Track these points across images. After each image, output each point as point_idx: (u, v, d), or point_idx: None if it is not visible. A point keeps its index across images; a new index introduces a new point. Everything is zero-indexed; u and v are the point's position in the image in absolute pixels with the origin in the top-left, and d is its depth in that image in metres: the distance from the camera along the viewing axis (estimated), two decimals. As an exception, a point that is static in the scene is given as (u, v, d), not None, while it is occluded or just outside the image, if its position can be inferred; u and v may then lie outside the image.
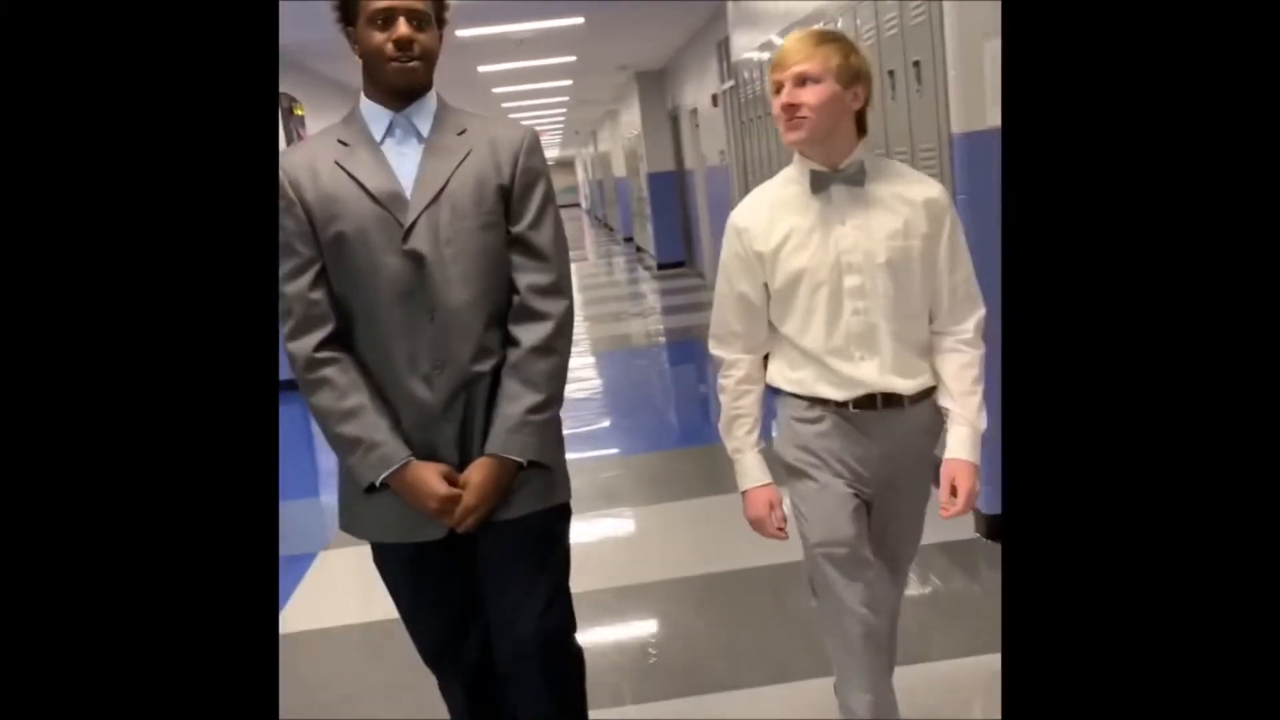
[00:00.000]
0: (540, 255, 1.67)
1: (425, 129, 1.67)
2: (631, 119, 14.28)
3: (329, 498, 5.18)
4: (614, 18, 8.02)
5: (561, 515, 1.77)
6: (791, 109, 1.70)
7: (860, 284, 1.75)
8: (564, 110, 16.78)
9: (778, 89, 1.72)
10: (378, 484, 1.64)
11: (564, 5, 6.97)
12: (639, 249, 15.83)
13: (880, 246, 1.75)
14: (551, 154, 32.50)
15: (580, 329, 8.92)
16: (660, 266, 12.81)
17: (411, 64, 1.61)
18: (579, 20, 7.76)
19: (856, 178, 1.76)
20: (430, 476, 1.62)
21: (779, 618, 2.97)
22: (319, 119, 9.20)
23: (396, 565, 1.75)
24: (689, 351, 7.83)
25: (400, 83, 1.63)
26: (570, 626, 1.80)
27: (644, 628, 3.05)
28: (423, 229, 1.62)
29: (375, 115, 1.68)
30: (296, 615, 3.47)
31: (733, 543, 3.55)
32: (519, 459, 1.64)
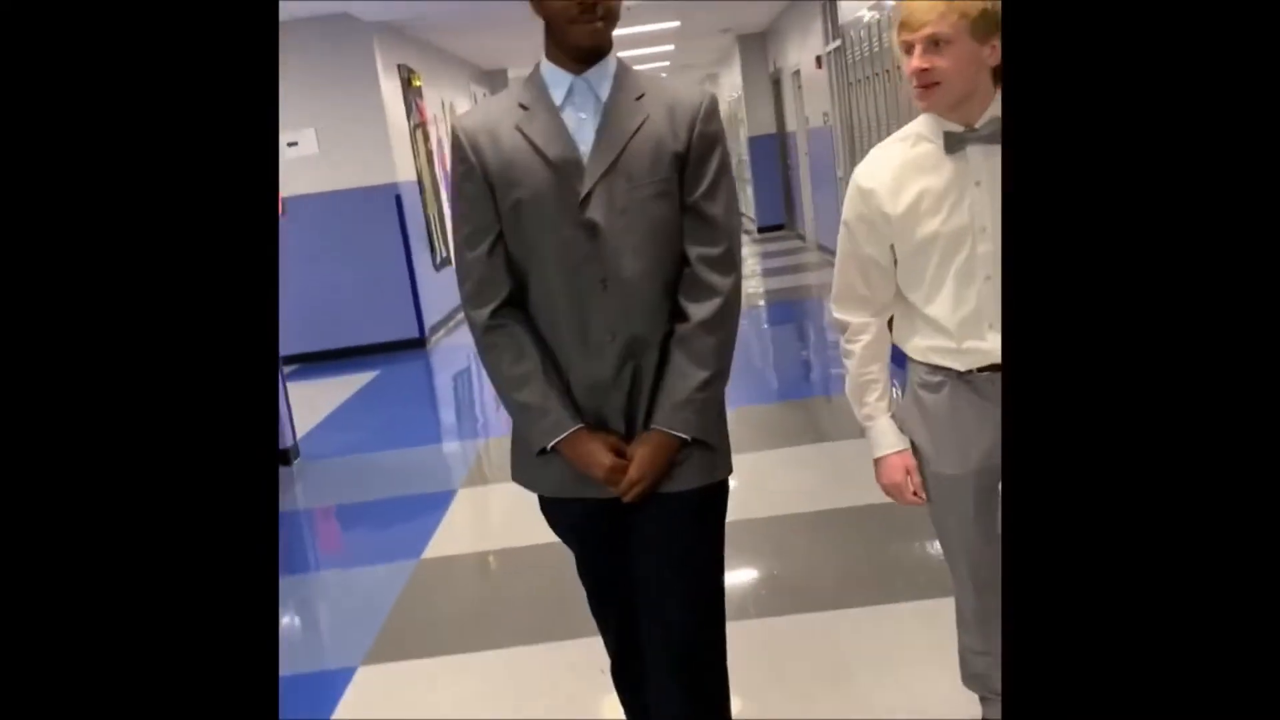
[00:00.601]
0: (713, 225, 1.65)
1: (604, 92, 1.64)
2: (732, 81, 14.32)
3: (451, 445, 5.55)
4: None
5: (722, 490, 1.78)
6: (924, 73, 1.61)
7: (993, 250, 1.65)
8: (665, 74, 16.90)
9: (907, 49, 1.63)
10: (548, 449, 1.67)
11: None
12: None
13: None
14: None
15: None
16: (760, 230, 12.91)
17: (596, 24, 1.58)
18: (685, -15, 7.90)
19: (994, 136, 1.64)
20: (598, 447, 1.65)
21: (883, 548, 3.18)
22: (435, 89, 9.56)
23: (564, 520, 1.79)
24: (788, 312, 7.98)
25: (585, 44, 1.60)
26: (722, 604, 1.81)
27: (761, 554, 3.28)
28: (599, 198, 1.61)
29: (555, 78, 1.65)
30: (441, 543, 3.81)
31: (836, 485, 3.77)
32: (684, 435, 1.66)
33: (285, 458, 5.08)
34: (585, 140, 1.63)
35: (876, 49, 5.90)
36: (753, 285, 9.41)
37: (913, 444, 1.82)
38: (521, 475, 1.77)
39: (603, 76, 1.65)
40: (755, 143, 12.80)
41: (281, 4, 6.44)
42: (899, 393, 1.89)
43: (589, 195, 1.60)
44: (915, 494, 1.81)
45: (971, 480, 1.76)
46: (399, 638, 3.09)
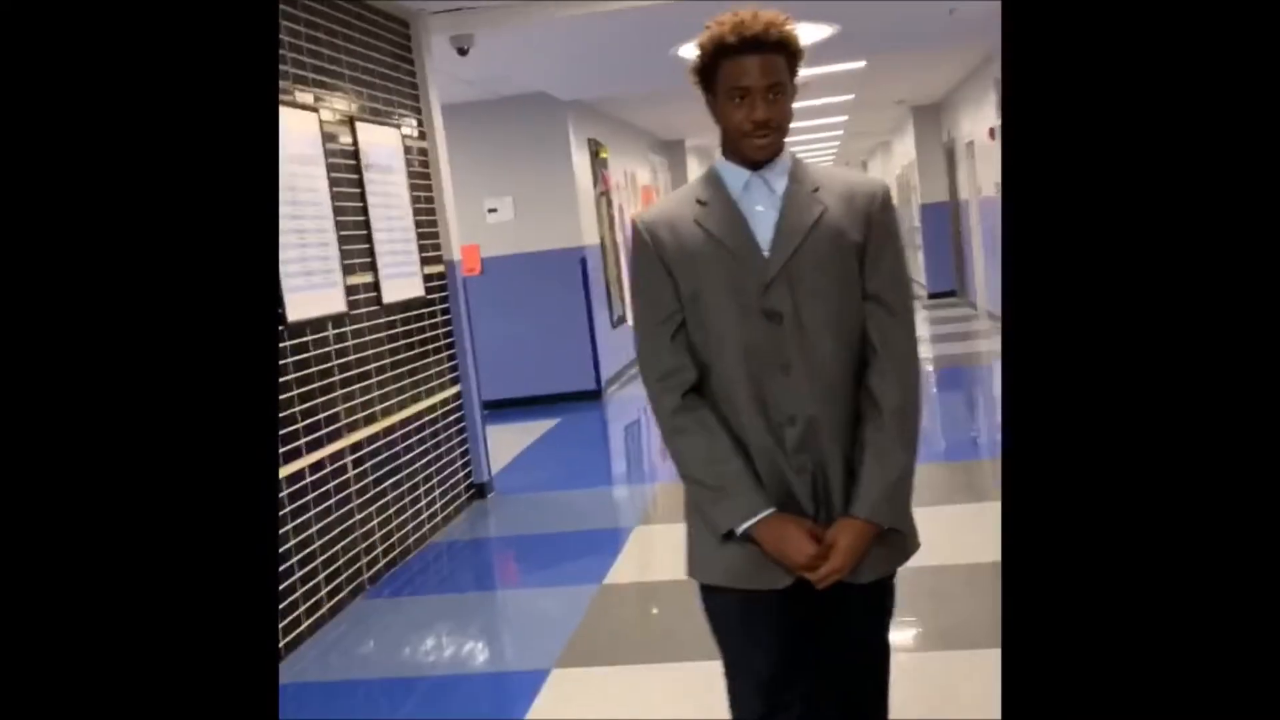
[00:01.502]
0: (895, 313, 1.68)
1: (780, 187, 1.69)
2: (905, 149, 14.49)
3: (626, 488, 5.97)
4: (895, 59, 8.46)
5: (894, 576, 1.80)
6: None
7: None
8: (838, 142, 17.19)
9: None
10: (737, 533, 1.65)
11: (849, 49, 7.50)
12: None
13: None
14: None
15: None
16: (931, 295, 12.94)
17: (767, 139, 1.64)
18: (862, 63, 8.26)
19: None
20: (796, 532, 1.63)
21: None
22: (618, 159, 10.24)
23: (730, 609, 1.74)
24: (958, 378, 8.07)
25: (758, 158, 1.67)
26: (887, 703, 1.86)
27: (919, 598, 3.52)
28: (780, 286, 1.64)
29: (732, 174, 1.71)
30: (620, 572, 4.22)
31: (994, 540, 3.94)
32: (886, 525, 1.67)
33: (481, 491, 5.63)
34: (764, 231, 1.67)
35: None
36: (922, 350, 9.49)
37: None
38: (700, 568, 1.75)
39: (779, 171, 1.70)
40: (928, 210, 12.91)
41: (484, 84, 7.21)
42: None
43: (772, 283, 1.64)
44: None
45: None
46: (586, 647, 3.49)
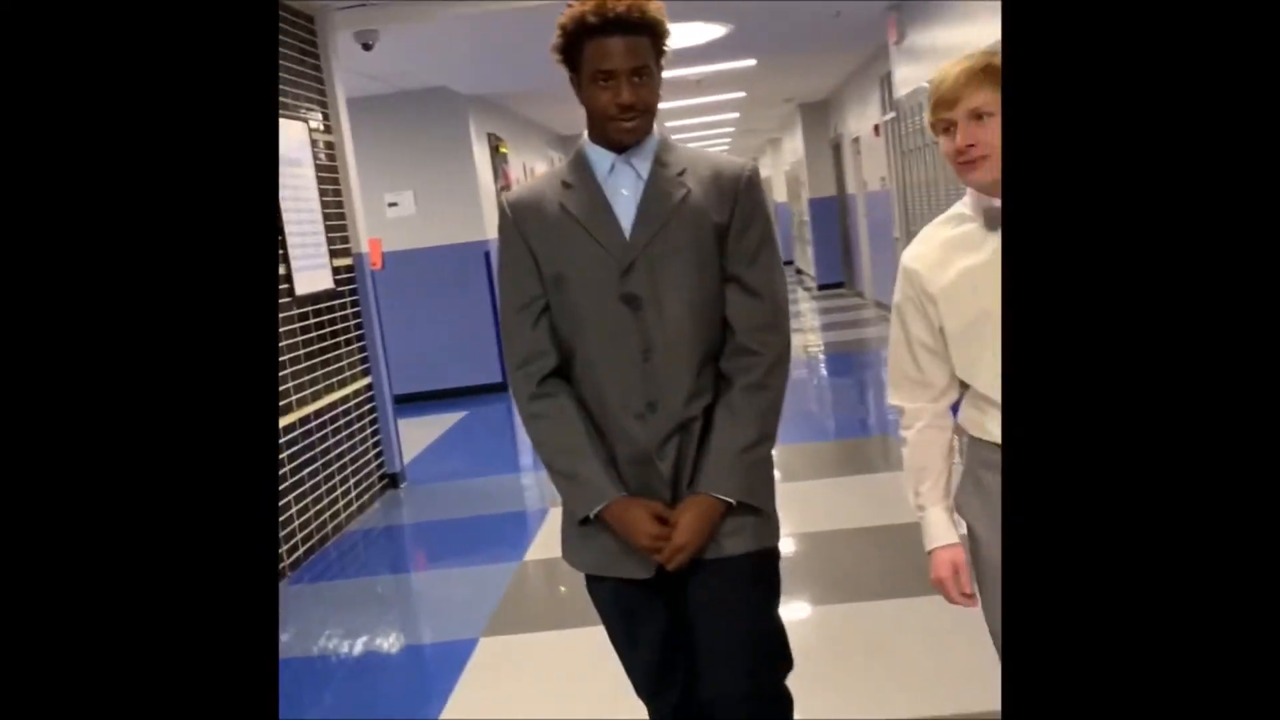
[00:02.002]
0: (755, 293, 1.66)
1: (645, 170, 1.67)
2: (794, 146, 14.97)
3: (538, 474, 6.14)
4: (783, 57, 8.81)
5: (771, 557, 1.75)
6: (970, 149, 1.57)
7: None
8: (729, 139, 17.62)
9: (946, 128, 1.60)
10: (591, 517, 1.66)
11: (740, 49, 7.80)
12: (799, 271, 16.47)
13: None
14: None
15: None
16: (820, 287, 13.44)
17: (633, 124, 1.62)
18: (752, 62, 8.58)
19: None
20: (641, 514, 1.63)
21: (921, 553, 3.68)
22: (518, 155, 10.35)
23: (608, 597, 1.76)
24: (846, 363, 8.48)
25: (624, 141, 1.65)
26: (781, 672, 1.77)
27: (813, 558, 3.79)
28: (641, 270, 1.63)
29: (598, 156, 1.69)
30: (539, 549, 4.40)
31: (880, 507, 4.27)
32: (729, 499, 1.64)
33: (394, 481, 5.71)
34: (627, 215, 1.65)
35: (926, 125, 6.48)
36: (811, 339, 9.95)
37: (970, 531, 1.75)
38: (571, 554, 1.77)
39: (644, 154, 1.68)
40: (816, 204, 13.39)
41: (387, 78, 7.26)
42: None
43: (631, 267, 1.63)
44: (966, 595, 1.73)
45: None
46: (512, 616, 3.66)
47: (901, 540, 3.85)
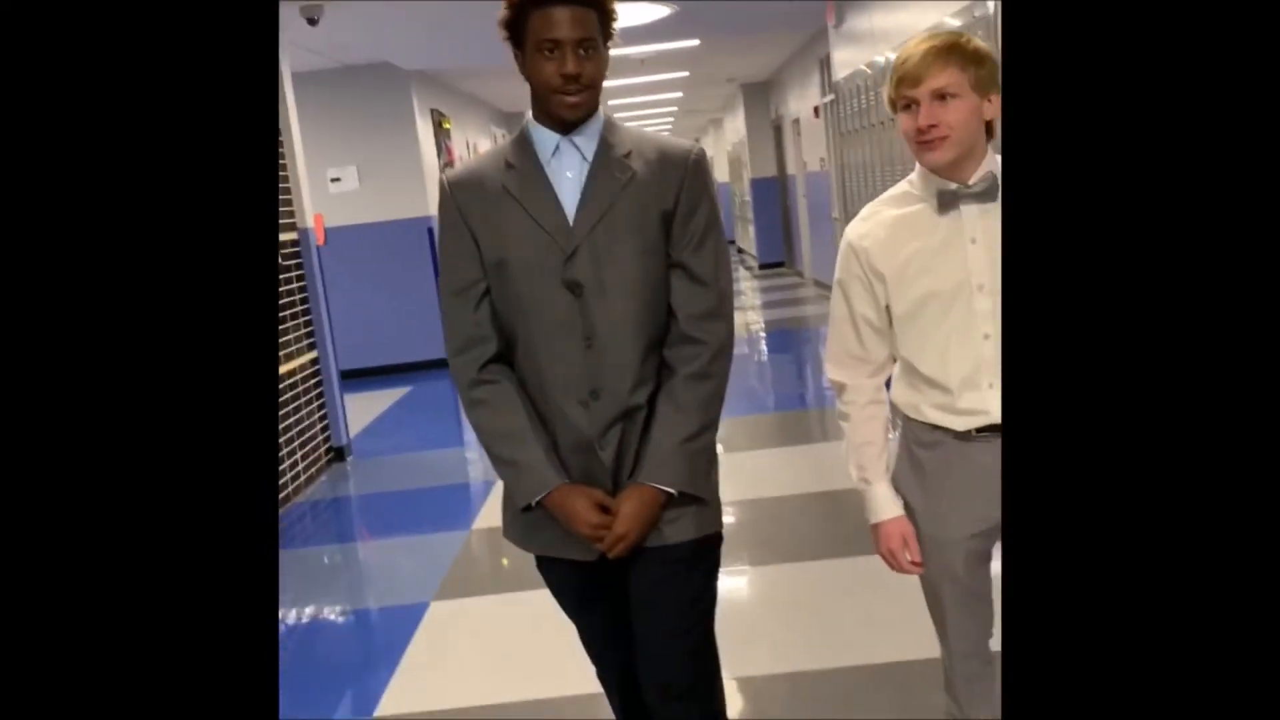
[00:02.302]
0: (700, 281, 1.64)
1: (590, 151, 1.64)
2: (736, 127, 15.13)
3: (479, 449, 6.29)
4: (726, 38, 8.93)
5: (713, 545, 1.74)
6: (933, 129, 1.57)
7: (992, 306, 1.61)
8: (672, 119, 17.71)
9: (907, 105, 1.59)
10: (533, 505, 1.65)
11: (684, 29, 7.90)
12: (740, 250, 16.67)
13: None
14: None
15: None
16: (761, 266, 13.64)
17: (578, 97, 1.58)
18: (695, 42, 8.69)
19: (989, 193, 1.62)
20: (582, 503, 1.61)
21: (860, 518, 3.87)
22: (461, 131, 10.35)
23: (557, 579, 1.79)
24: (786, 339, 8.68)
25: (568, 115, 1.61)
26: (716, 660, 1.80)
27: (754, 523, 3.96)
28: (584, 256, 1.60)
29: (542, 137, 1.65)
30: (487, 518, 4.51)
31: (819, 475, 4.45)
32: (670, 488, 1.63)
33: (341, 454, 5.76)
34: (571, 198, 1.63)
35: (867, 105, 6.65)
36: (752, 316, 10.14)
37: (906, 505, 1.77)
38: (512, 533, 1.76)
39: (589, 135, 1.64)
40: (757, 184, 13.57)
41: (331, 53, 7.22)
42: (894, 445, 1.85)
43: (574, 254, 1.61)
44: (915, 562, 1.76)
45: (964, 544, 1.72)
46: (463, 581, 3.78)
47: (835, 506, 4.04)
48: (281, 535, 4.62)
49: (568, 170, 1.64)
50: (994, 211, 1.62)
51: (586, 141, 1.65)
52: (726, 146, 17.52)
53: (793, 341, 8.58)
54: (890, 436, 1.78)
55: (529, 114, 1.68)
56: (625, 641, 1.77)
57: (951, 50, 1.57)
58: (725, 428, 5.86)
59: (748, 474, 4.64)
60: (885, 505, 1.76)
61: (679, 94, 13.25)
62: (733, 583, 3.45)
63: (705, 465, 1.69)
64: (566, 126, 1.63)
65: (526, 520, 1.69)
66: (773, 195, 13.34)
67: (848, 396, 1.77)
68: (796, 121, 11.13)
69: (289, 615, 3.67)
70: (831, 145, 8.70)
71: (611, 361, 1.62)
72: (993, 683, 1.82)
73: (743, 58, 10.62)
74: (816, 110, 9.55)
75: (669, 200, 1.64)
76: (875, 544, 1.80)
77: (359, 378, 8.28)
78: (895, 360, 1.76)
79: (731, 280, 1.72)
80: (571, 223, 1.62)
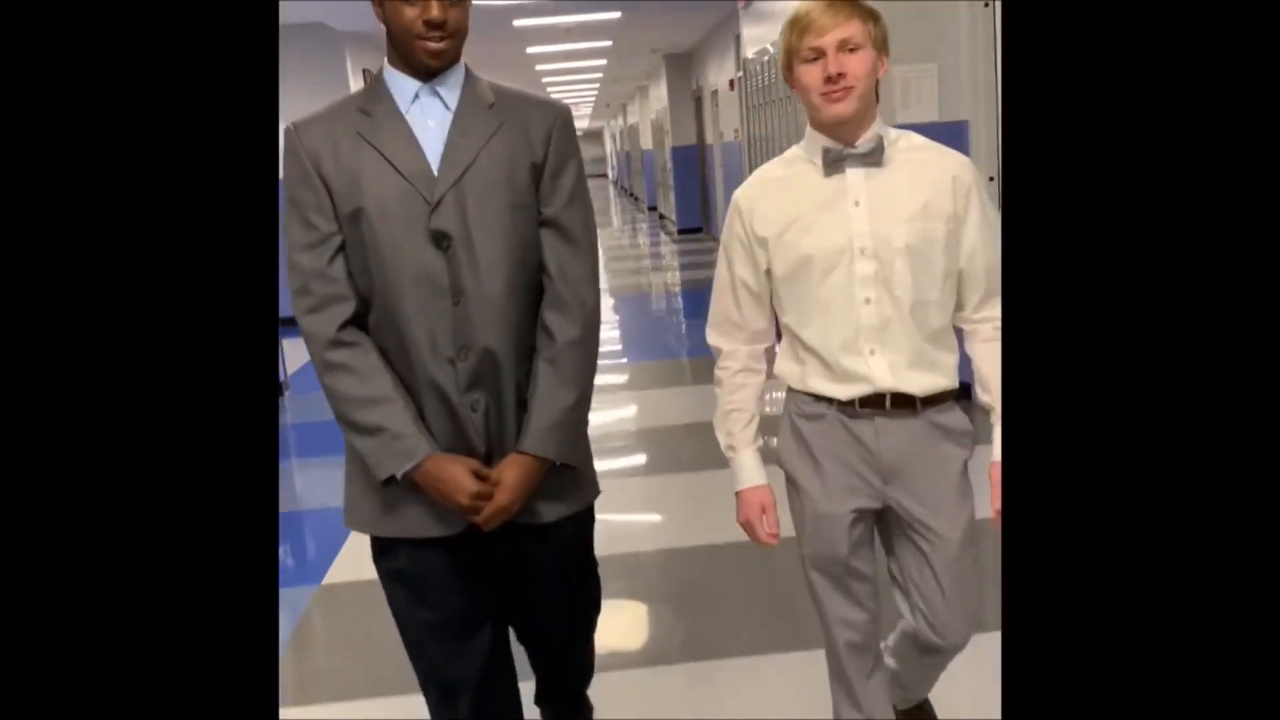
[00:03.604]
0: (573, 240, 1.60)
1: (453, 101, 1.57)
2: (659, 95, 15.62)
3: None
4: (647, 11, 9.42)
5: (589, 517, 1.73)
6: (841, 77, 1.55)
7: (874, 271, 1.60)
8: (598, 85, 18.10)
9: (815, 57, 1.57)
10: (399, 477, 1.54)
11: (604, 4, 8.37)
12: (662, 216, 17.22)
13: (899, 230, 1.60)
14: (581, 124, 33.44)
15: (600, 282, 10.42)
16: (680, 232, 14.23)
17: (442, 44, 1.51)
18: (616, 14, 9.17)
19: (873, 156, 1.61)
20: (459, 471, 1.53)
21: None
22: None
23: (402, 561, 1.64)
24: (699, 297, 9.30)
25: (430, 63, 1.53)
26: (593, 628, 1.85)
27: (659, 451, 4.56)
28: (450, 206, 1.53)
29: (399, 83, 1.56)
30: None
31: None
32: (554, 459, 1.58)
33: (279, 390, 6.21)
34: (433, 148, 1.55)
35: (771, 81, 7.24)
36: (670, 277, 10.74)
37: (788, 478, 1.76)
38: (358, 517, 1.64)
39: (451, 84, 1.58)
40: (678, 153, 14.12)
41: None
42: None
43: (440, 203, 1.53)
44: (771, 535, 1.75)
45: (846, 520, 1.70)
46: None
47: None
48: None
49: (429, 119, 1.57)
50: (878, 175, 1.62)
51: (449, 91, 1.58)
52: (651, 115, 18.00)
53: (703, 299, 9.16)
54: (768, 411, 1.76)
55: (384, 61, 1.60)
56: (481, 629, 1.67)
57: (853, 3, 1.60)
58: (641, 371, 6.48)
59: (658, 407, 5.26)
60: (749, 473, 1.76)
61: (603, 61, 13.68)
62: (634, 490, 4.05)
63: (582, 435, 1.67)
64: (427, 75, 1.56)
65: (381, 499, 1.59)
66: (692, 163, 13.90)
67: (722, 362, 1.78)
68: (715, 93, 11.68)
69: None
70: (743, 118, 9.27)
71: (481, 318, 1.55)
72: (888, 682, 1.85)
73: (664, 30, 11.11)
74: (731, 83, 10.11)
75: (538, 153, 1.59)
76: (736, 511, 1.79)
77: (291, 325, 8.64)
78: (775, 330, 1.76)
79: (598, 245, 1.68)
80: (436, 172, 1.54)
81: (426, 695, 1.73)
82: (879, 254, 1.61)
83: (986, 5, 4.15)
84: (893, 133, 1.67)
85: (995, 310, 1.67)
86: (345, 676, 2.74)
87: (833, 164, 1.63)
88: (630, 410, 5.44)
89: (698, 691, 2.53)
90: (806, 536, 1.76)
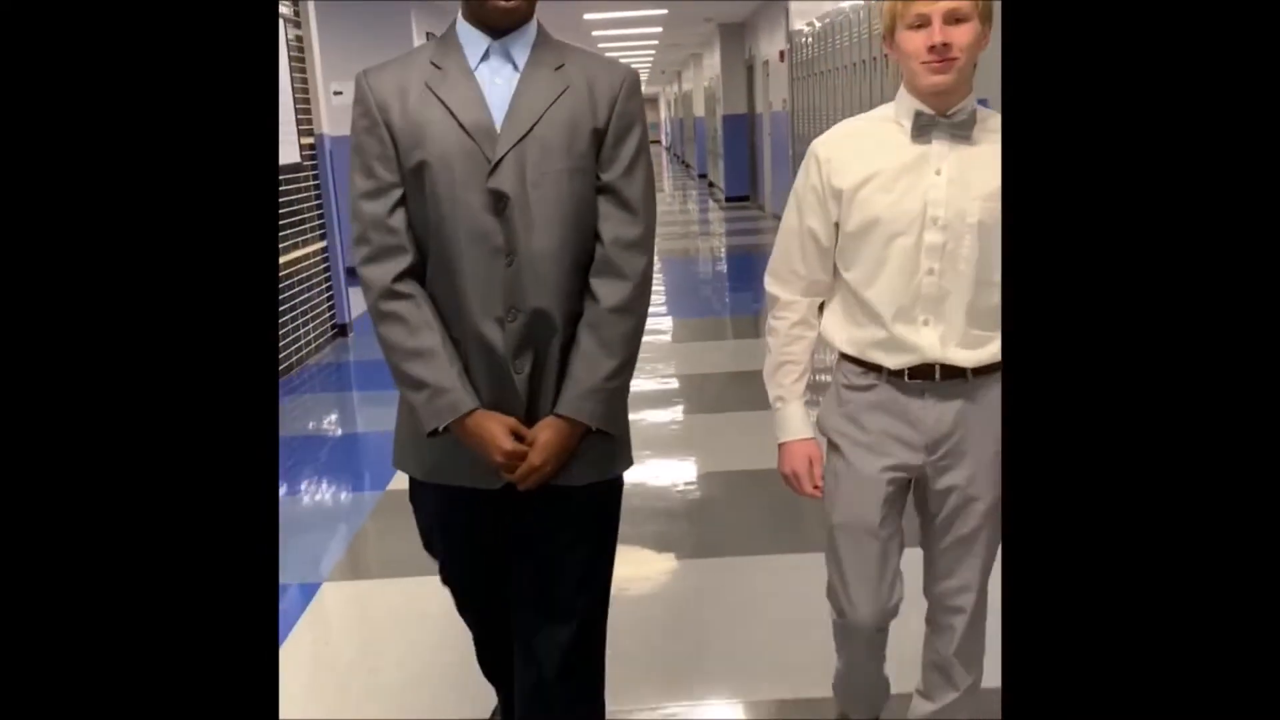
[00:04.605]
0: (629, 207, 1.59)
1: (522, 59, 1.59)
2: (713, 64, 15.81)
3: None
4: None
5: (618, 487, 1.74)
6: (946, 47, 1.53)
7: (942, 242, 1.59)
8: (653, 51, 18.31)
9: (920, 24, 1.55)
10: (440, 430, 1.57)
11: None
12: (711, 184, 17.48)
13: (974, 205, 1.58)
14: (637, 91, 33.73)
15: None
16: (728, 200, 14.51)
17: (514, 1, 1.55)
18: (672, -15, 9.45)
19: (964, 127, 1.60)
20: (497, 429, 1.56)
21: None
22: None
23: (441, 505, 1.72)
24: (742, 261, 9.64)
25: (501, 22, 1.57)
26: (606, 602, 1.79)
27: (696, 398, 4.97)
28: (509, 166, 1.54)
29: (472, 39, 1.59)
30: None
31: (758, 358, 5.47)
32: (589, 424, 1.59)
33: (344, 331, 6.70)
34: (499, 106, 1.57)
35: (815, 54, 7.52)
36: (716, 243, 11.07)
37: (828, 441, 1.76)
38: (407, 462, 1.70)
39: (522, 43, 1.60)
40: (728, 121, 14.36)
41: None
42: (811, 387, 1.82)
43: (500, 163, 1.54)
44: (816, 486, 1.75)
45: (883, 486, 1.70)
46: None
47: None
48: (295, 389, 5.56)
49: (497, 77, 1.59)
50: (963, 148, 1.60)
51: (519, 50, 1.60)
52: (704, 82, 18.19)
53: (747, 264, 9.54)
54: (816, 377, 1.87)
55: (459, 15, 1.63)
56: (501, 589, 1.75)
57: None
58: (683, 326, 6.91)
59: (697, 359, 5.69)
60: (797, 425, 1.76)
61: (659, 29, 13.92)
62: (663, 419, 4.47)
63: (621, 404, 1.67)
64: (498, 32, 1.59)
65: (427, 447, 1.63)
66: (742, 132, 14.13)
67: (779, 312, 1.76)
68: (766, 63, 11.91)
69: (304, 431, 4.64)
70: (791, 88, 9.54)
71: (532, 280, 1.56)
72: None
73: (719, 2, 11.35)
74: (781, 55, 10.36)
75: (601, 118, 1.59)
76: (780, 462, 1.78)
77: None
78: (832, 287, 1.74)
79: (655, 212, 1.67)
80: (498, 130, 1.56)
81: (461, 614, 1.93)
82: (951, 226, 1.59)
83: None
84: (981, 109, 1.65)
85: None
86: (405, 557, 3.17)
87: (923, 129, 1.62)
88: (669, 356, 5.86)
89: (706, 581, 2.96)
90: (839, 502, 1.75)
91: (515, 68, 1.59)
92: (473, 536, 1.75)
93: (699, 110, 19.42)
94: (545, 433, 1.59)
